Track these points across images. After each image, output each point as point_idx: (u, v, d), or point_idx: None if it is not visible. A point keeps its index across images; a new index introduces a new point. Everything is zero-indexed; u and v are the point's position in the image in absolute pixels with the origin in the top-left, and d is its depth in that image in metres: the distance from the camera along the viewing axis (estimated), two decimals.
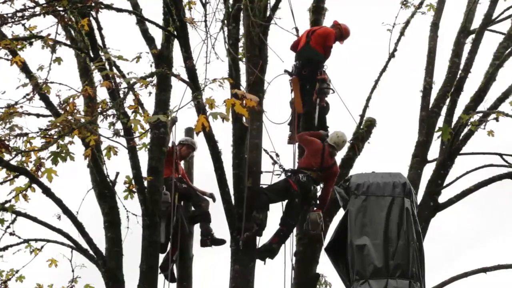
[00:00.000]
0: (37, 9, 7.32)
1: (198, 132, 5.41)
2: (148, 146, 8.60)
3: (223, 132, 8.56)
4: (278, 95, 9.98)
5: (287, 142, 9.80)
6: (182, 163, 9.99)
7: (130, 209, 8.50)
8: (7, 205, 8.01)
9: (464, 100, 9.89)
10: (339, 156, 9.54)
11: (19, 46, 8.02)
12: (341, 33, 10.00)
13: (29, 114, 7.54)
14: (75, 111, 6.44)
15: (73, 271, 9.12)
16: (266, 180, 9.11)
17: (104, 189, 8.67)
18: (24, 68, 8.05)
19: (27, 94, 7.13)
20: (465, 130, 9.40)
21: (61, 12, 7.39)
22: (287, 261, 8.87)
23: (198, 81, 7.96)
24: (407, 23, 10.86)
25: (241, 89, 8.41)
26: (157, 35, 9.18)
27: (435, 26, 10.91)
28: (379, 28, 10.82)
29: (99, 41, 8.12)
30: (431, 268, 8.92)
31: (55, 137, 6.26)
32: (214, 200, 9.57)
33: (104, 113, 6.56)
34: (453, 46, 10.65)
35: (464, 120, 8.88)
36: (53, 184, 6.81)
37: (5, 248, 8.86)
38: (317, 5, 10.32)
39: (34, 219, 8.51)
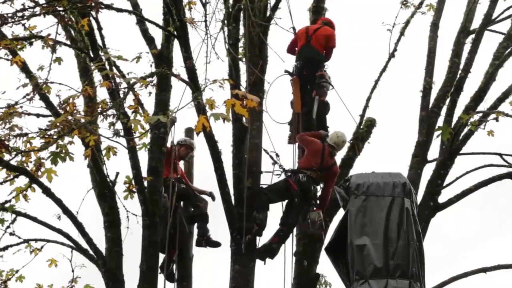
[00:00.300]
0: (37, 9, 7.33)
1: (199, 133, 5.41)
2: (148, 146, 8.60)
3: (223, 132, 8.57)
4: (279, 95, 9.99)
5: (287, 142, 9.81)
6: (181, 163, 9.99)
7: (130, 209, 8.51)
8: (7, 205, 8.00)
9: (464, 100, 9.91)
10: (339, 156, 9.56)
11: (19, 46, 8.01)
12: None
13: (29, 114, 7.55)
14: (75, 111, 6.43)
15: (73, 271, 9.13)
16: (266, 180, 9.14)
17: (104, 189, 8.67)
18: (24, 68, 8.05)
19: (27, 94, 7.14)
20: (465, 130, 9.40)
21: (61, 12, 7.39)
22: (287, 261, 8.89)
23: (198, 81, 7.96)
24: (407, 23, 10.87)
25: (241, 89, 8.41)
26: (157, 35, 9.19)
27: (435, 26, 10.92)
28: (379, 28, 10.84)
29: (99, 41, 8.12)
30: (431, 268, 8.92)
31: (55, 137, 6.25)
32: (213, 199, 9.58)
33: (104, 113, 6.56)
34: (453, 46, 10.65)
35: (464, 120, 8.87)
36: (53, 184, 6.83)
37: (5, 248, 8.86)
38: (317, 5, 10.33)
39: (34, 219, 8.51)
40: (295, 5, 10.10)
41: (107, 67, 7.74)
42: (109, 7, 7.45)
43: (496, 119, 7.88)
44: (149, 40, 9.09)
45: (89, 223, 8.44)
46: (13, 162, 7.04)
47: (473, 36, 10.54)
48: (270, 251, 8.63)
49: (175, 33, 8.25)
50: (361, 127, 9.88)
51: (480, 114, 8.52)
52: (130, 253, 8.73)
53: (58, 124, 6.18)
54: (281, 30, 9.94)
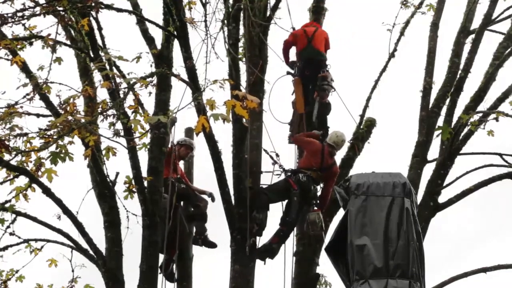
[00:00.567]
0: (37, 9, 7.32)
1: (198, 133, 5.41)
2: (148, 146, 8.59)
3: (223, 132, 8.57)
4: (279, 95, 9.99)
5: (288, 142, 9.82)
6: (181, 163, 9.99)
7: (130, 209, 8.51)
8: (7, 205, 8.00)
9: (464, 100, 9.91)
10: (339, 156, 9.57)
11: (19, 46, 8.02)
12: None
13: (29, 114, 7.54)
14: (75, 111, 6.43)
15: (73, 271, 9.12)
16: (266, 180, 9.14)
17: (104, 189, 8.67)
18: (24, 68, 8.04)
19: (27, 94, 7.14)
20: (465, 130, 9.40)
21: (61, 12, 7.39)
22: (287, 262, 8.89)
23: (198, 81, 7.96)
24: (407, 23, 10.87)
25: (241, 89, 8.41)
26: (157, 35, 9.18)
27: (435, 26, 10.92)
28: (379, 28, 10.85)
29: (99, 41, 8.12)
30: (431, 268, 8.93)
31: (55, 137, 6.25)
32: (213, 199, 9.57)
33: (104, 113, 6.56)
34: (453, 46, 10.66)
35: (464, 120, 8.87)
36: (53, 184, 6.83)
37: (5, 248, 8.85)
38: (317, 5, 10.34)
39: (34, 219, 8.50)
40: (295, 5, 10.12)
41: (107, 67, 7.74)
42: (109, 7, 7.45)
43: (496, 119, 7.88)
44: (149, 40, 9.08)
45: (89, 223, 8.45)
46: (13, 162, 7.05)
47: (473, 36, 10.54)
48: (270, 251, 8.63)
49: (175, 33, 8.25)
50: (361, 127, 9.88)
51: (480, 114, 8.53)
52: (130, 253, 8.74)
53: (58, 124, 6.18)
54: (281, 30, 9.96)
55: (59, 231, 8.51)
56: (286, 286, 8.76)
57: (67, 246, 8.82)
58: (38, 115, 8.11)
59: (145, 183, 8.47)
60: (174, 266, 9.33)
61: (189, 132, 10.12)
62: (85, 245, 8.52)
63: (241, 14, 8.87)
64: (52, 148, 6.26)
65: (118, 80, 7.00)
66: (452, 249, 21.07)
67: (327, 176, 9.04)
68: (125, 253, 8.60)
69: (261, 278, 8.88)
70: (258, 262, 8.64)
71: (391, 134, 16.54)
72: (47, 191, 7.86)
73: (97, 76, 8.04)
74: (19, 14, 7.24)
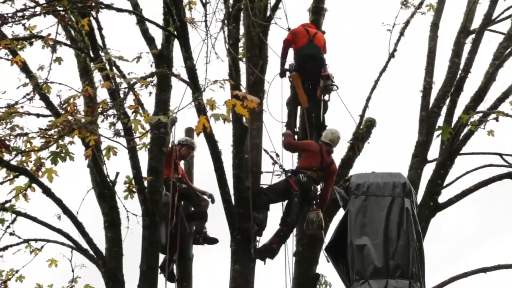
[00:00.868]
0: (37, 9, 7.33)
1: (199, 133, 5.40)
2: (148, 146, 8.59)
3: (223, 132, 8.58)
4: (279, 95, 9.99)
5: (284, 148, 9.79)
6: (182, 163, 9.99)
7: (130, 209, 8.52)
8: (7, 205, 8.00)
9: (464, 100, 9.90)
10: (339, 156, 9.57)
11: (19, 46, 8.02)
12: None
13: (29, 114, 7.55)
14: (76, 111, 6.43)
15: (73, 271, 9.13)
16: (266, 180, 9.14)
17: (104, 189, 8.67)
18: (24, 68, 8.04)
19: (27, 94, 7.14)
20: (465, 130, 9.39)
21: (61, 12, 7.39)
22: (287, 261, 8.88)
23: (198, 81, 7.97)
24: (407, 23, 10.86)
25: (241, 89, 8.41)
26: (157, 35, 9.19)
27: (435, 26, 10.92)
28: (379, 28, 10.85)
29: (99, 41, 8.13)
30: (431, 268, 8.91)
31: (55, 137, 6.25)
32: (213, 201, 9.57)
33: (105, 113, 6.56)
34: (453, 46, 10.65)
35: (464, 120, 8.87)
36: (53, 184, 6.81)
37: (5, 248, 8.85)
38: (317, 5, 10.34)
39: (34, 219, 8.50)
40: (295, 5, 10.13)
41: (107, 67, 7.74)
42: (109, 7, 7.45)
43: (496, 119, 7.87)
44: (149, 40, 9.09)
45: (89, 223, 8.45)
46: (13, 162, 7.04)
47: (473, 36, 10.54)
48: (270, 251, 8.63)
49: (175, 33, 8.25)
50: (361, 127, 9.87)
51: (480, 114, 8.51)
52: (130, 253, 8.74)
53: (58, 124, 6.18)
54: (281, 30, 9.98)
55: (59, 231, 8.51)
56: (286, 286, 8.77)
57: (67, 246, 8.82)
58: (38, 115, 8.12)
59: (145, 183, 8.48)
60: (174, 266, 9.33)
61: (189, 132, 10.13)
62: (85, 245, 8.53)
63: (241, 14, 8.88)
64: (53, 148, 6.27)
65: (118, 80, 7.01)
66: (452, 249, 21.09)
67: (327, 175, 9.05)
68: (125, 253, 8.61)
69: (261, 278, 8.90)
70: (258, 262, 8.64)
71: (391, 134, 16.56)
72: (47, 191, 7.86)
73: (97, 76, 8.06)
74: (19, 14, 7.25)
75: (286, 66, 9.83)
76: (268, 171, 9.20)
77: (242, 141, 8.55)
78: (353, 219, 8.23)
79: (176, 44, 8.57)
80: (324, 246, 8.74)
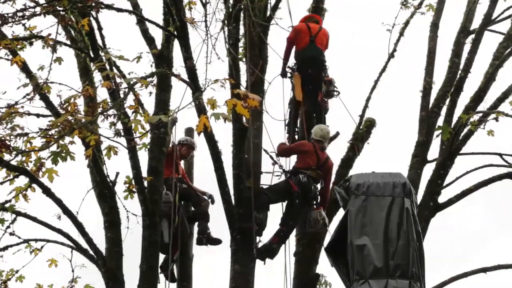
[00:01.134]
0: (37, 9, 7.33)
1: (200, 133, 5.40)
2: (148, 146, 8.59)
3: (223, 132, 8.58)
4: (278, 95, 9.99)
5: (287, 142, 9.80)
6: (182, 163, 9.99)
7: (130, 209, 8.52)
8: (7, 205, 8.00)
9: (464, 100, 9.89)
10: (339, 156, 9.57)
11: (19, 46, 8.02)
12: None
13: (29, 114, 7.55)
14: (76, 111, 6.43)
15: (73, 271, 9.13)
16: (266, 180, 9.14)
17: (104, 189, 8.67)
18: (25, 68, 8.05)
19: (28, 94, 7.14)
20: (465, 130, 9.39)
21: (61, 12, 7.39)
22: (287, 261, 8.88)
23: (198, 81, 7.98)
24: (406, 23, 10.86)
25: (242, 89, 8.40)
26: (157, 35, 9.19)
27: (435, 26, 10.92)
28: (379, 28, 10.85)
29: (99, 41, 8.12)
30: (431, 268, 8.92)
31: (55, 137, 6.25)
32: (213, 202, 9.57)
33: (105, 113, 6.56)
34: (453, 46, 10.65)
35: (464, 120, 8.87)
36: (53, 184, 6.81)
37: (5, 248, 8.85)
38: (317, 5, 10.33)
39: (34, 219, 8.51)
40: (295, 5, 10.12)
41: (107, 67, 7.74)
42: (109, 7, 7.46)
43: (496, 119, 7.88)
44: (149, 40, 9.09)
45: (89, 223, 8.45)
46: (13, 162, 7.04)
47: (473, 36, 10.53)
48: (270, 251, 8.62)
49: (175, 33, 8.26)
50: (361, 127, 9.87)
51: (480, 114, 8.52)
52: (130, 253, 8.74)
53: (59, 124, 6.18)
54: (281, 30, 9.97)
55: (59, 231, 8.51)
56: (286, 286, 8.77)
57: (67, 246, 8.82)
58: (38, 115, 8.12)
59: (145, 183, 8.48)
60: (174, 266, 9.33)
61: (189, 132, 10.13)
62: (85, 245, 8.53)
63: (242, 14, 8.88)
64: (53, 148, 6.27)
65: (118, 80, 7.01)
66: (452, 249, 21.07)
67: (325, 172, 9.03)
68: (125, 253, 8.61)
69: (261, 278, 8.89)
70: (258, 262, 8.64)
71: (391, 134, 16.55)
72: (47, 191, 7.86)
73: (97, 76, 8.07)
74: (19, 14, 7.25)
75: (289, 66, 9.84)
76: (268, 172, 9.21)
77: (242, 141, 8.55)
78: (353, 219, 8.24)
79: (176, 44, 8.58)
80: (324, 246, 8.74)
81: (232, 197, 8.63)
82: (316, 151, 9.03)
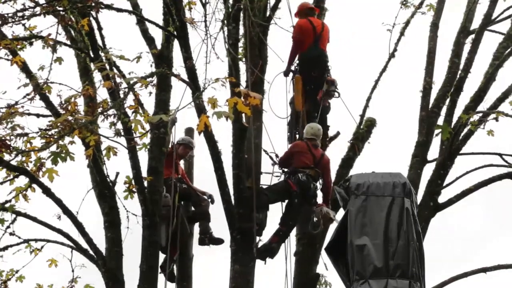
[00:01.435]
0: (37, 9, 7.32)
1: (201, 132, 5.40)
2: (148, 146, 8.59)
3: (223, 132, 8.58)
4: (279, 95, 9.99)
5: (288, 142, 9.80)
6: (182, 163, 9.99)
7: (130, 209, 8.51)
8: (7, 205, 7.99)
9: (464, 100, 9.90)
10: (340, 156, 9.58)
11: (19, 46, 8.02)
12: None
13: (29, 114, 7.54)
14: (76, 111, 6.43)
15: (73, 271, 9.12)
16: (266, 180, 9.14)
17: (104, 189, 8.66)
18: (25, 68, 8.04)
19: (28, 94, 7.14)
20: (465, 130, 9.39)
21: (61, 12, 7.39)
22: (287, 261, 8.88)
23: (198, 81, 7.98)
24: (407, 23, 10.87)
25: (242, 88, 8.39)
26: (157, 35, 9.19)
27: (435, 26, 10.92)
28: (379, 28, 10.85)
29: (99, 41, 8.12)
30: (431, 268, 8.92)
31: (55, 137, 6.25)
32: (212, 201, 9.57)
33: (105, 113, 6.56)
34: (453, 46, 10.65)
35: (464, 120, 8.87)
36: (53, 184, 6.81)
37: (5, 248, 8.84)
38: (317, 5, 10.32)
39: (34, 219, 8.50)
40: (295, 5, 10.12)
41: (107, 67, 7.74)
42: (109, 7, 7.46)
43: (496, 119, 7.88)
44: (149, 40, 9.09)
45: (89, 223, 8.45)
46: (13, 162, 7.04)
47: (473, 36, 10.54)
48: (270, 250, 8.62)
49: (175, 33, 8.26)
50: (361, 127, 9.88)
51: (480, 114, 8.52)
52: (130, 253, 8.74)
53: (58, 124, 6.18)
54: (281, 30, 9.96)
55: (59, 231, 8.50)
56: (286, 286, 8.77)
57: (67, 246, 8.81)
58: (38, 115, 8.12)
59: (145, 183, 8.48)
60: (174, 266, 9.33)
61: (189, 132, 10.12)
62: (85, 245, 8.52)
63: (241, 14, 8.88)
64: (53, 148, 6.26)
65: (118, 80, 7.01)
66: (452, 249, 21.07)
67: (322, 169, 9.01)
68: (125, 253, 8.61)
69: (261, 278, 8.89)
70: (258, 262, 8.64)
71: (391, 134, 16.55)
72: (47, 191, 7.85)
73: (97, 76, 8.06)
74: (19, 14, 7.25)
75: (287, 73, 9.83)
76: (268, 172, 9.21)
77: (242, 141, 8.55)
78: (353, 219, 8.24)
79: (176, 44, 8.58)
80: (324, 246, 8.74)
81: (232, 197, 8.63)
82: (310, 149, 9.03)
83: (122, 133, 6.88)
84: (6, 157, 6.85)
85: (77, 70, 9.53)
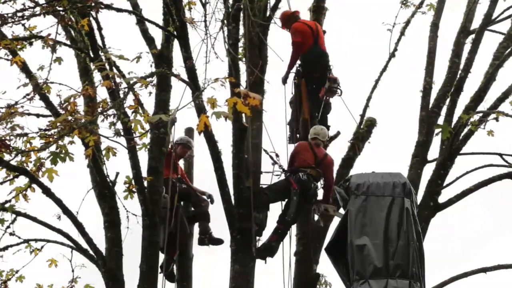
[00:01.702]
0: (37, 9, 7.32)
1: (201, 132, 5.39)
2: (148, 146, 8.59)
3: (223, 132, 8.57)
4: (278, 95, 9.99)
5: (288, 142, 9.80)
6: (182, 163, 9.99)
7: (130, 209, 8.50)
8: (7, 205, 7.99)
9: (464, 100, 9.91)
10: (340, 156, 9.57)
11: (19, 46, 8.02)
12: None
13: (29, 114, 7.54)
14: (75, 111, 6.43)
15: (73, 271, 9.11)
16: (266, 180, 9.14)
17: (104, 189, 8.66)
18: (24, 68, 8.04)
19: (27, 94, 7.13)
20: (465, 130, 9.40)
21: (61, 12, 7.39)
22: (287, 261, 8.89)
23: (198, 81, 7.97)
24: (407, 23, 10.88)
25: (242, 88, 8.39)
26: (157, 35, 9.19)
27: (435, 26, 10.92)
28: (379, 28, 10.86)
29: (99, 41, 8.12)
30: (431, 268, 8.92)
31: (55, 137, 6.25)
32: (212, 201, 9.57)
33: (105, 113, 6.56)
34: (453, 46, 10.65)
35: (464, 120, 8.87)
36: (53, 184, 6.80)
37: (5, 248, 8.84)
38: (318, 4, 10.33)
39: (34, 219, 8.50)
40: (295, 5, 10.12)
41: (107, 67, 7.74)
42: (109, 7, 7.45)
43: (496, 119, 7.87)
44: (149, 40, 9.08)
45: (89, 223, 8.45)
46: (13, 162, 7.04)
47: (473, 36, 10.54)
48: (269, 249, 8.62)
49: (175, 33, 8.25)
50: (362, 127, 9.89)
51: (480, 114, 8.51)
52: (130, 253, 8.74)
53: (58, 124, 6.18)
54: (281, 30, 9.97)
55: (59, 231, 8.50)
56: (286, 286, 8.77)
57: (67, 246, 8.81)
58: (38, 115, 8.11)
59: (145, 183, 8.48)
60: (174, 266, 9.33)
61: (189, 132, 10.12)
62: (85, 245, 8.52)
63: (241, 14, 8.88)
64: (52, 148, 6.26)
65: (118, 80, 7.00)
66: (452, 249, 21.07)
67: (324, 168, 9.00)
68: (125, 253, 8.60)
69: (261, 278, 8.89)
70: (258, 262, 8.64)
71: (391, 134, 16.55)
72: (47, 191, 7.85)
73: (97, 76, 8.06)
74: (19, 14, 7.24)
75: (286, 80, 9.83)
76: (268, 171, 9.20)
77: (242, 141, 8.55)
78: (353, 219, 8.25)
79: (176, 44, 8.57)
80: (324, 246, 8.74)
81: (232, 197, 8.63)
82: (312, 149, 9.03)
83: (122, 133, 6.87)
84: (6, 157, 6.85)
85: (77, 70, 9.53)
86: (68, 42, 8.93)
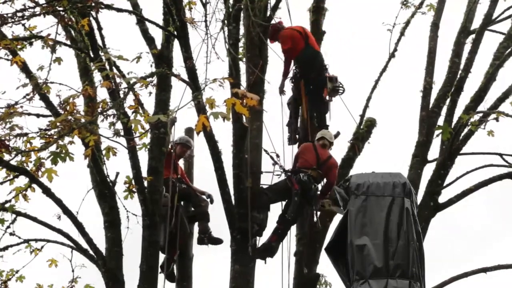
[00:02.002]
0: (37, 9, 7.32)
1: (199, 132, 5.40)
2: (148, 146, 8.59)
3: (223, 132, 8.57)
4: (278, 94, 9.97)
5: (288, 143, 9.80)
6: (182, 163, 9.99)
7: (130, 209, 8.51)
8: (7, 205, 7.99)
9: (464, 100, 9.91)
10: (340, 156, 9.57)
11: (19, 46, 8.02)
12: None
13: (29, 114, 7.55)
14: (75, 111, 6.43)
15: (73, 271, 9.12)
16: (266, 180, 9.14)
17: (104, 189, 8.66)
18: (24, 68, 8.04)
19: (27, 94, 7.14)
20: (465, 130, 9.40)
21: (61, 12, 7.39)
22: (287, 262, 8.88)
23: (198, 81, 7.97)
24: (407, 23, 10.87)
25: (241, 89, 8.39)
26: (157, 35, 9.19)
27: (435, 26, 10.92)
28: (379, 28, 10.86)
29: (99, 41, 8.13)
30: (431, 268, 8.92)
31: (55, 137, 6.25)
32: (212, 201, 9.58)
33: (104, 113, 6.56)
34: (453, 46, 10.65)
35: (464, 120, 8.87)
36: (53, 184, 6.83)
37: (5, 248, 8.84)
38: (317, 5, 10.33)
39: (34, 219, 8.50)
40: (295, 5, 10.12)
41: (107, 67, 7.74)
42: (109, 7, 7.46)
43: (496, 119, 7.87)
44: (149, 40, 9.08)
45: (89, 223, 8.45)
46: (13, 162, 7.04)
47: (473, 36, 10.54)
48: (269, 249, 8.62)
49: (175, 33, 8.25)
50: (361, 127, 9.88)
51: (480, 114, 8.51)
52: (130, 253, 8.74)
53: (58, 124, 6.18)
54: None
55: (59, 231, 8.50)
56: (286, 286, 8.77)
57: (67, 246, 8.81)
58: (38, 115, 8.12)
59: (145, 183, 8.48)
60: (174, 266, 9.33)
61: (189, 132, 10.13)
62: (85, 245, 8.52)
63: (241, 14, 8.88)
64: (52, 148, 6.26)
65: (118, 80, 7.00)
66: (453, 249, 21.09)
67: (326, 171, 8.99)
68: (125, 253, 8.61)
69: (261, 278, 8.89)
70: (258, 262, 8.64)
71: (391, 134, 16.56)
72: (47, 191, 7.86)
73: (97, 76, 8.06)
74: (19, 14, 7.25)
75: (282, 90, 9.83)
76: (268, 171, 9.20)
77: (242, 141, 8.55)
78: (353, 219, 8.23)
79: (176, 44, 8.58)
80: (324, 246, 8.74)
81: (232, 197, 8.63)
82: (315, 150, 9.03)
83: (122, 133, 6.87)
84: (6, 157, 6.85)
85: (77, 70, 9.54)
86: (68, 42, 8.94)
